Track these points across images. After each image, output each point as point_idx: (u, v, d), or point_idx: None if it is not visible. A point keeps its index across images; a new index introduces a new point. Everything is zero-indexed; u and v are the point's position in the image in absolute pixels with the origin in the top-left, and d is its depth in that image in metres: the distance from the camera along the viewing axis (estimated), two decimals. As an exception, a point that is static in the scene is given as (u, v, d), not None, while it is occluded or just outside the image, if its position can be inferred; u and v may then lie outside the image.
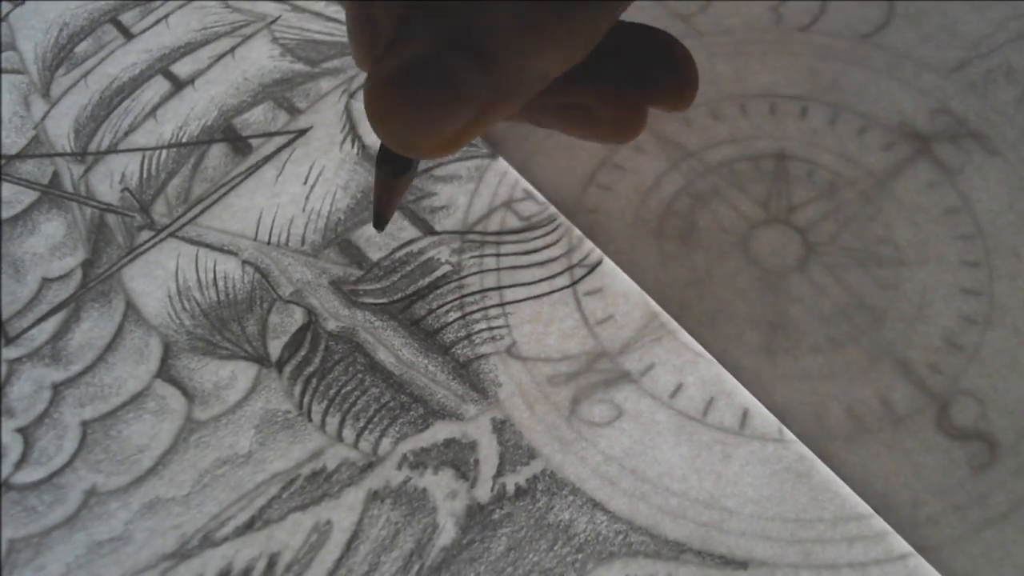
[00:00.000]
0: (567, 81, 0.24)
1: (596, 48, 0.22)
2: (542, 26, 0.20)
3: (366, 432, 0.35)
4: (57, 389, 0.37)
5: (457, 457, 0.34)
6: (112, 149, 0.44)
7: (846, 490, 0.32)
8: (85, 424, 0.36)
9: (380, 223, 0.27)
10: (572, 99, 0.26)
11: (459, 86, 0.21)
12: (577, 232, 0.39)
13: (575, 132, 0.28)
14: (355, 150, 0.42)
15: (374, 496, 0.34)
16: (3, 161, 0.44)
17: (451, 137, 0.22)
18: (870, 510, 0.32)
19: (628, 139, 0.28)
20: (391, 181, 0.26)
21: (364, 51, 0.23)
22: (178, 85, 0.46)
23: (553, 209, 0.40)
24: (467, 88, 0.21)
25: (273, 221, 0.41)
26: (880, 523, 0.32)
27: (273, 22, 0.48)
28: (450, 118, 0.21)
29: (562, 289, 0.38)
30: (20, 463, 0.36)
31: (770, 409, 0.34)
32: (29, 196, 0.43)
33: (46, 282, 0.40)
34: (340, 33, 0.47)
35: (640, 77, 0.27)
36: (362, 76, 0.45)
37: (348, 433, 0.35)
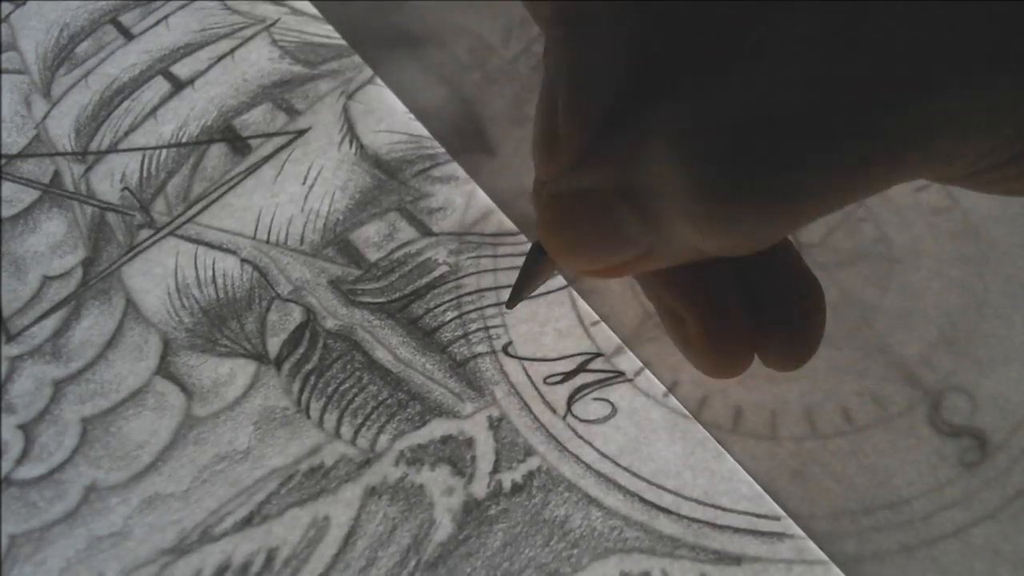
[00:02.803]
0: (668, 280, 0.23)
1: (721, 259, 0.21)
2: (712, 207, 0.18)
3: (364, 429, 0.35)
4: (58, 386, 0.38)
5: (454, 454, 0.35)
6: (112, 149, 0.44)
7: (839, 487, 0.33)
8: (85, 420, 0.37)
9: (514, 301, 0.27)
10: (670, 303, 0.24)
11: (616, 230, 0.20)
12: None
13: (669, 334, 0.26)
14: (353, 151, 0.43)
15: (371, 492, 0.34)
16: (4, 160, 0.44)
17: (604, 270, 0.22)
18: (863, 507, 0.32)
19: (718, 377, 0.25)
20: (543, 262, 0.25)
21: (543, 158, 0.22)
22: (178, 86, 0.46)
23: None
24: (623, 234, 0.20)
25: (272, 220, 0.41)
26: (871, 519, 0.32)
27: (272, 24, 0.48)
28: (605, 255, 0.21)
29: (558, 289, 0.38)
30: (21, 459, 0.36)
31: (762, 407, 0.35)
32: (30, 195, 0.43)
33: (47, 280, 0.41)
34: (338, 36, 0.47)
35: (756, 314, 0.24)
36: (361, 77, 0.45)
37: (346, 430, 0.35)
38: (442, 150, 0.42)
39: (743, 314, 0.24)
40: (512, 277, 0.38)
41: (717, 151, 0.17)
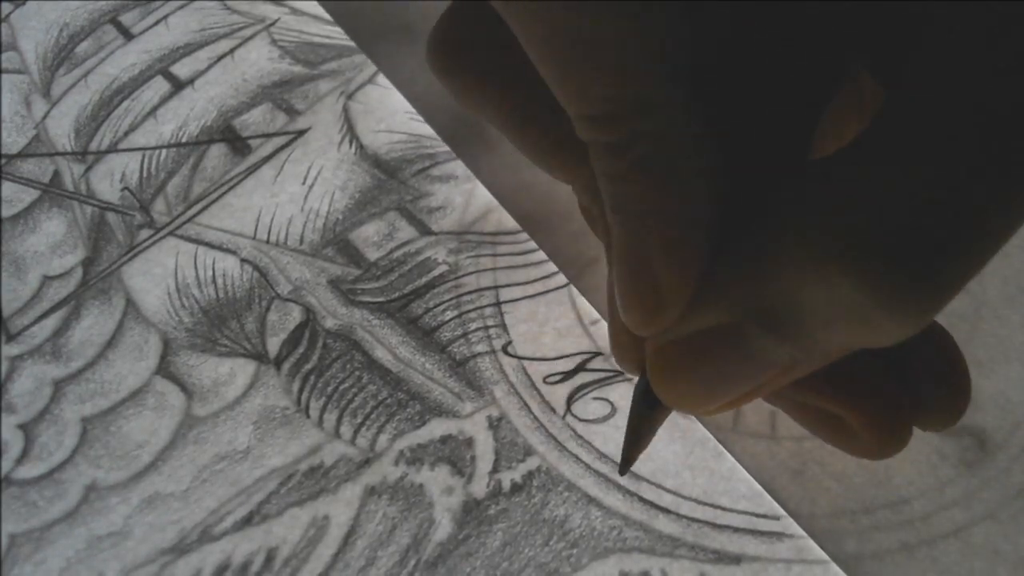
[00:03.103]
0: (817, 383, 0.22)
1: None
2: (890, 304, 0.17)
3: (363, 428, 0.35)
4: (58, 386, 0.38)
5: (453, 453, 0.35)
6: (112, 148, 0.45)
7: (838, 486, 0.33)
8: (85, 420, 0.37)
9: (627, 465, 0.25)
10: (818, 403, 0.23)
11: (752, 357, 0.19)
12: (573, 232, 0.39)
13: (821, 436, 0.24)
14: (353, 151, 0.43)
15: (371, 491, 0.34)
16: (4, 160, 0.44)
17: (732, 401, 0.21)
18: (861, 506, 0.32)
19: (888, 456, 0.24)
20: (651, 415, 0.23)
21: (646, 319, 0.21)
22: (178, 86, 0.46)
23: (549, 210, 0.40)
24: (761, 360, 0.19)
25: (272, 220, 0.41)
26: (871, 519, 0.32)
27: (272, 24, 0.48)
28: (740, 386, 0.20)
29: (557, 289, 0.38)
30: (21, 459, 0.36)
31: (761, 407, 0.35)
32: (30, 195, 0.43)
33: (47, 280, 0.41)
34: (338, 36, 0.47)
35: (904, 384, 0.23)
36: (360, 77, 0.45)
37: (346, 429, 0.36)
38: (442, 149, 0.42)
39: (899, 392, 0.23)
40: (510, 276, 0.38)
41: (879, 250, 0.16)
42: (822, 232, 0.16)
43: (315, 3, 0.49)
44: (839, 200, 0.17)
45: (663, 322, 0.20)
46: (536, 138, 0.23)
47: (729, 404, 0.21)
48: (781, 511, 0.32)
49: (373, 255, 0.40)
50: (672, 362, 0.20)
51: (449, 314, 0.38)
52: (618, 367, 0.36)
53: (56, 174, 0.44)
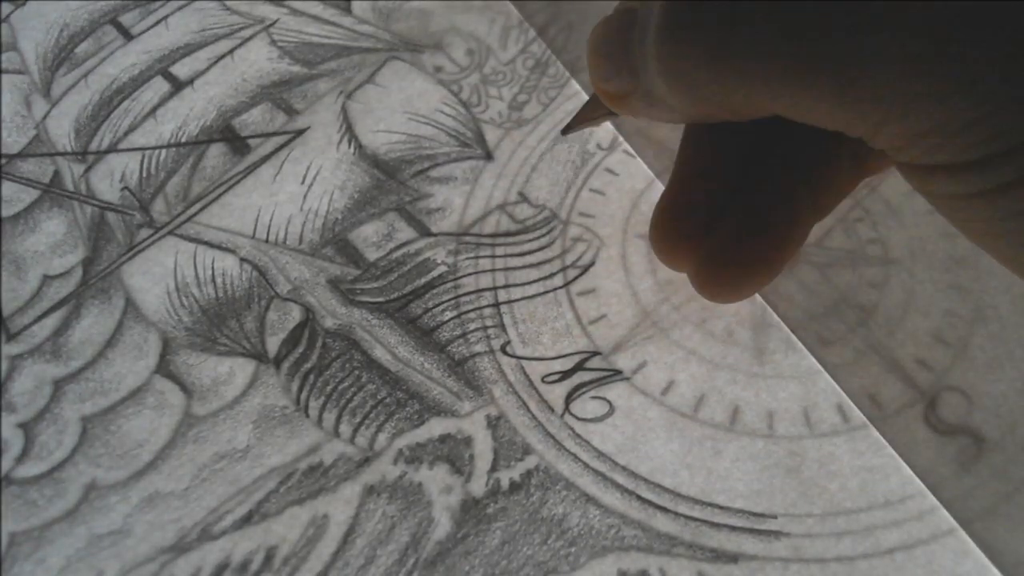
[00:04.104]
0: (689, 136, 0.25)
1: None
2: (664, 41, 0.20)
3: (363, 427, 0.36)
4: (58, 385, 0.38)
5: (452, 452, 0.35)
6: (112, 148, 0.45)
7: (835, 485, 0.33)
8: (85, 419, 0.37)
9: (569, 130, 0.28)
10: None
11: (627, 49, 0.21)
12: (571, 235, 0.40)
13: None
14: (352, 150, 0.43)
15: (370, 490, 0.34)
16: (4, 160, 0.45)
17: (613, 96, 0.23)
18: (859, 505, 0.32)
19: (661, 259, 0.26)
20: (604, 112, 0.26)
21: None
22: (177, 86, 0.46)
23: (547, 212, 0.40)
24: (629, 57, 0.21)
25: (271, 220, 0.41)
26: (868, 517, 0.32)
27: (271, 25, 0.48)
28: (617, 69, 0.22)
29: (556, 289, 0.38)
30: (21, 458, 0.36)
31: (759, 406, 0.35)
32: (30, 194, 0.43)
33: (47, 279, 0.41)
34: (337, 36, 0.47)
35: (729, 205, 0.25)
36: (359, 77, 0.45)
37: (345, 428, 0.36)
38: (441, 150, 0.43)
39: (702, 210, 0.25)
40: (509, 277, 0.39)
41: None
42: None
43: (315, 3, 0.49)
44: None
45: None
46: None
47: (613, 100, 0.23)
48: (778, 510, 0.33)
49: (372, 255, 0.40)
50: (599, 26, 0.23)
51: (448, 314, 0.38)
52: (617, 367, 0.36)
53: (56, 174, 0.44)
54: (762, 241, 0.24)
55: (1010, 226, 0.18)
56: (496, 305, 0.38)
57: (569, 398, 0.36)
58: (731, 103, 0.20)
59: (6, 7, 0.50)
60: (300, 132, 0.44)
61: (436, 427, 0.35)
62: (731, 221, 0.24)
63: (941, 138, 0.17)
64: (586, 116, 0.27)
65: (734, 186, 0.24)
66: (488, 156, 0.42)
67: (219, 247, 0.41)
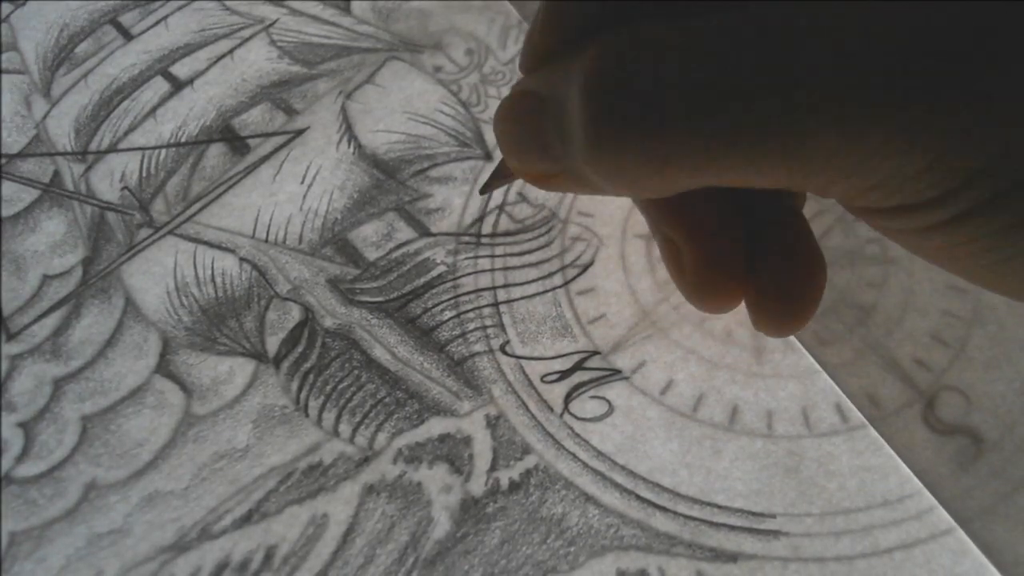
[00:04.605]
0: (669, 208, 0.23)
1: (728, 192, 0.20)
2: (588, 132, 0.19)
3: (362, 427, 0.36)
4: (58, 384, 0.38)
5: (452, 452, 0.35)
6: (112, 148, 0.45)
7: (834, 485, 0.33)
8: (85, 419, 0.37)
9: (487, 189, 0.26)
10: (667, 231, 0.24)
11: (540, 135, 0.20)
12: (570, 234, 0.40)
13: (666, 264, 0.25)
14: (351, 150, 0.43)
15: (370, 490, 0.34)
16: (4, 160, 0.45)
17: (534, 176, 0.22)
18: (857, 505, 0.32)
19: (706, 308, 0.24)
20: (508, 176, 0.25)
21: (522, 58, 0.23)
22: (177, 86, 0.46)
23: (547, 212, 0.40)
24: (545, 142, 0.20)
25: (270, 219, 0.41)
26: (867, 517, 0.32)
27: (271, 25, 0.48)
28: (530, 157, 0.21)
29: (555, 289, 0.38)
30: (21, 457, 0.36)
31: (758, 406, 0.35)
32: (30, 194, 0.43)
33: (47, 279, 0.41)
34: (336, 36, 0.47)
35: (753, 262, 0.24)
36: (359, 77, 0.45)
37: (344, 428, 0.36)
38: (440, 150, 0.43)
39: (739, 253, 0.23)
40: (508, 276, 0.39)
41: (607, 85, 0.18)
42: (597, 54, 0.18)
43: (314, 3, 0.49)
44: (624, 39, 0.18)
45: (525, 63, 0.22)
46: None
47: (535, 179, 0.22)
48: (777, 509, 0.33)
49: (372, 255, 0.40)
50: (503, 106, 0.22)
51: (447, 314, 0.38)
52: (616, 366, 0.36)
53: (56, 174, 0.44)
54: (805, 255, 0.23)
55: (968, 249, 0.19)
56: (495, 305, 0.38)
57: (568, 398, 0.36)
58: (673, 185, 0.19)
59: (6, 7, 0.50)
60: (300, 132, 0.44)
61: (435, 426, 0.35)
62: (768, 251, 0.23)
63: (892, 188, 0.17)
64: (504, 176, 0.26)
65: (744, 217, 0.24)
66: (487, 156, 0.42)
67: (219, 247, 0.41)
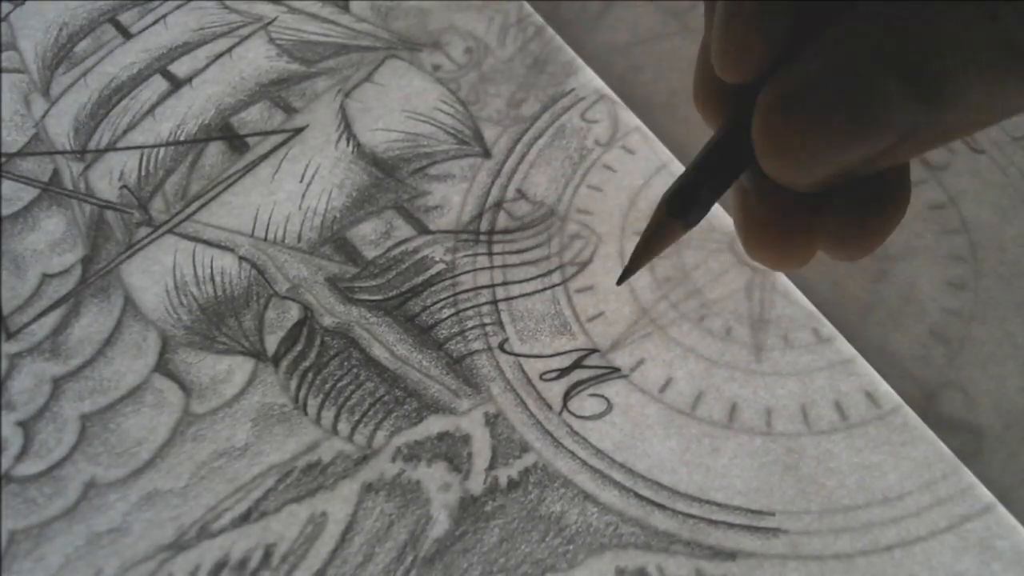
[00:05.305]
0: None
1: None
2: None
3: (361, 425, 0.36)
4: (57, 383, 0.38)
5: (450, 450, 0.35)
6: (111, 147, 0.45)
7: (833, 482, 0.33)
8: (84, 417, 0.37)
9: (627, 274, 0.23)
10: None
11: (879, 113, 0.17)
12: (569, 231, 0.40)
13: (735, 203, 0.23)
14: (350, 149, 0.43)
15: (368, 488, 0.34)
16: (4, 159, 0.45)
17: (826, 178, 0.19)
18: (857, 502, 0.32)
19: (762, 257, 0.23)
20: (670, 224, 0.22)
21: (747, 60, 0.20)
22: (176, 84, 0.46)
23: (545, 209, 0.40)
24: (887, 115, 0.17)
25: (269, 218, 0.41)
26: (866, 514, 0.32)
27: (270, 23, 0.48)
28: (849, 149, 0.18)
29: (554, 287, 0.38)
30: (20, 456, 0.36)
31: (758, 403, 0.35)
32: (29, 193, 0.43)
33: (46, 278, 0.41)
34: (335, 34, 0.47)
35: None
36: (358, 76, 0.45)
37: (343, 426, 0.36)
38: (439, 148, 0.43)
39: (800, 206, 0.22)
40: (507, 274, 0.39)
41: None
42: (777, 78, 0.18)
43: (313, 1, 0.49)
44: (795, 63, 0.18)
45: (752, 54, 0.19)
46: None
47: (822, 181, 0.19)
48: (776, 507, 0.33)
49: (371, 253, 0.40)
50: (789, 110, 0.18)
51: (446, 312, 0.38)
52: (615, 364, 0.36)
53: (55, 172, 0.44)
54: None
55: None
56: (494, 302, 0.38)
57: (567, 395, 0.36)
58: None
59: (5, 6, 0.50)
60: (298, 130, 0.44)
61: (434, 425, 0.35)
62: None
63: None
64: (658, 245, 0.22)
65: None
66: (486, 154, 0.42)
67: (218, 245, 0.41)
